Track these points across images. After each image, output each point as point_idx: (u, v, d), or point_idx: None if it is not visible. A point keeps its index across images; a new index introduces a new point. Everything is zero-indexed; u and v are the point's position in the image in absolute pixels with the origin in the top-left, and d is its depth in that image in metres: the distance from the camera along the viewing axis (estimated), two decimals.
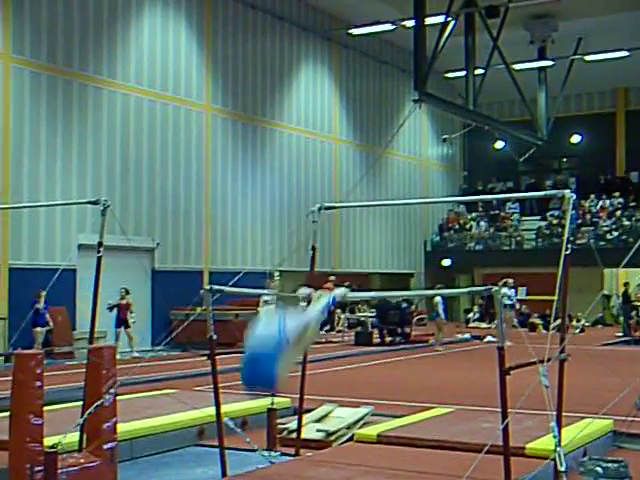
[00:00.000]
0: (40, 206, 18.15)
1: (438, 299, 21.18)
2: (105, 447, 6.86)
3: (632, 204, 32.57)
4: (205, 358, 6.90)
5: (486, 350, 19.79)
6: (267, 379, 4.99)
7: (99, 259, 7.51)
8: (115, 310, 18.36)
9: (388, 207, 30.61)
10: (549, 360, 5.56)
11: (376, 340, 21.87)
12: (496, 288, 5.48)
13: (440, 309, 21.04)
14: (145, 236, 21.22)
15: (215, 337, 6.74)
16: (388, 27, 26.53)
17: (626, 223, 31.25)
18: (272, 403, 8.48)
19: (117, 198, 20.27)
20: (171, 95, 22.21)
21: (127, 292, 18.65)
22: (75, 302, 18.97)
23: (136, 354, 17.81)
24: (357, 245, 29.88)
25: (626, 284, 27.31)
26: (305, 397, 8.22)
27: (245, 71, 24.78)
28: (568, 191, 6.48)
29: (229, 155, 24.14)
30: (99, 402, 6.67)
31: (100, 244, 7.50)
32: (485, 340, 22.97)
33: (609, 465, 6.31)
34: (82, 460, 6.77)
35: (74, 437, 7.10)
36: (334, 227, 27.96)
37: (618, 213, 32.08)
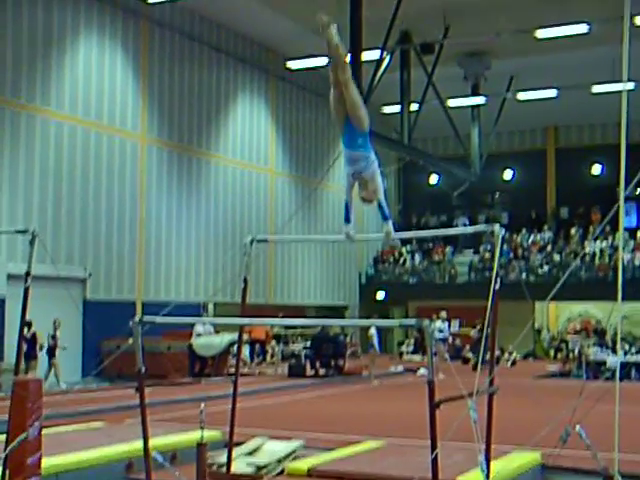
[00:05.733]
0: None
1: (373, 332, 21.25)
2: None
3: (562, 239, 33.23)
4: (134, 391, 6.79)
5: (419, 383, 19.85)
6: None
7: (26, 290, 7.37)
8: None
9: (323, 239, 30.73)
10: (477, 393, 5.61)
11: (309, 372, 21.81)
12: (427, 321, 5.51)
13: (375, 342, 21.12)
14: (77, 265, 20.91)
15: (144, 370, 6.64)
16: (324, 61, 26.74)
17: (556, 257, 31.84)
18: (202, 436, 8.37)
19: (49, 227, 19.99)
20: (106, 124, 22.03)
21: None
22: (3, 333, 18.55)
23: (64, 386, 17.71)
24: (292, 277, 29.86)
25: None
26: (236, 430, 8.15)
27: (181, 101, 24.73)
28: (497, 226, 6.57)
29: (164, 185, 24.00)
30: (23, 436, 6.51)
31: (28, 274, 7.36)
32: (418, 373, 23.07)
33: None
34: None
35: None
36: (269, 258, 27.93)
37: (549, 248, 32.69)
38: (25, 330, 17.14)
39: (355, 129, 6.58)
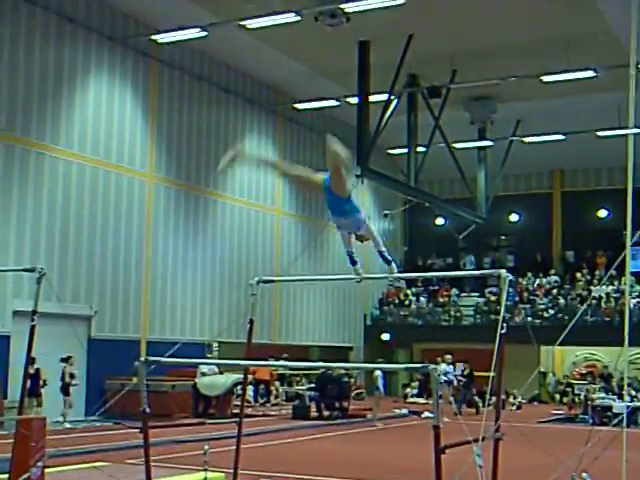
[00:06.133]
0: None
1: (378, 373, 21.16)
2: None
3: (568, 283, 33.15)
4: (138, 431, 6.76)
5: (424, 426, 19.72)
6: None
7: (32, 328, 7.38)
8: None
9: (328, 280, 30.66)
10: (484, 439, 5.58)
11: (314, 414, 21.68)
12: (433, 366, 5.49)
13: (380, 383, 21.02)
14: (83, 303, 20.91)
15: (149, 410, 6.61)
16: (332, 103, 26.98)
17: (561, 301, 31.73)
18: (205, 478, 8.33)
19: (55, 264, 20.01)
20: (114, 163, 22.14)
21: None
22: (8, 370, 18.49)
23: (68, 425, 17.71)
24: (297, 317, 29.80)
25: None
26: (240, 472, 8.10)
27: (190, 141, 24.88)
28: (504, 271, 6.57)
29: (171, 224, 24.07)
30: (26, 475, 6.48)
31: (34, 312, 7.37)
32: (423, 416, 22.93)
33: None
34: None
35: None
36: (274, 298, 27.89)
37: (555, 291, 32.59)
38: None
39: (339, 198, 6.75)
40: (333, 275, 29.72)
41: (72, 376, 18.82)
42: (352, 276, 7.65)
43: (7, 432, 15.37)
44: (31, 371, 17.52)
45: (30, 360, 16.96)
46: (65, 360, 18.80)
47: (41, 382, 18.09)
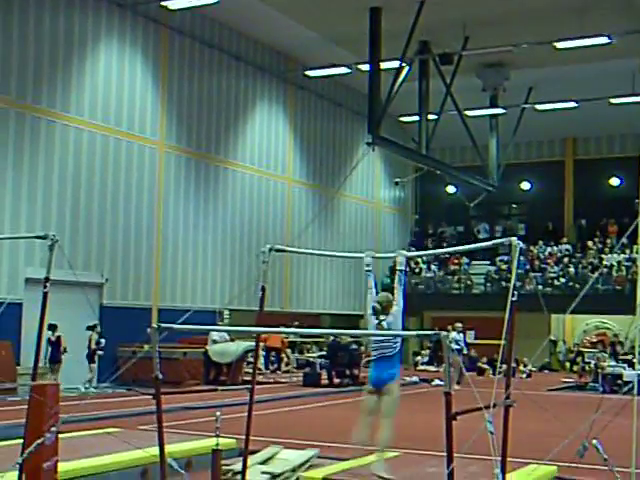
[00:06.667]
0: None
1: None
2: None
3: (579, 251, 33.07)
4: (150, 397, 6.78)
5: (434, 393, 19.82)
6: None
7: (45, 295, 7.40)
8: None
9: (339, 248, 30.65)
10: (495, 406, 5.58)
11: (324, 382, 21.79)
12: (445, 333, 5.48)
13: None
14: (94, 271, 20.99)
15: (161, 376, 6.64)
16: (344, 70, 26.81)
17: (572, 270, 31.65)
18: (217, 444, 8.37)
19: (67, 232, 20.08)
20: (125, 131, 22.13)
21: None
22: (20, 337, 18.63)
23: (83, 389, 18.03)
24: (308, 285, 29.86)
25: None
26: (251, 438, 8.15)
27: (200, 109, 24.82)
28: (515, 239, 6.55)
29: (181, 192, 24.08)
30: (40, 440, 6.53)
31: (47, 279, 7.39)
32: (433, 383, 23.02)
33: None
34: None
35: (13, 476, 6.93)
36: (285, 266, 27.93)
37: (566, 260, 32.54)
38: (50, 333, 17.41)
39: None
40: (344, 243, 29.80)
41: (98, 344, 19.11)
42: (361, 255, 7.75)
43: (20, 398, 15.52)
44: (52, 339, 17.79)
45: (50, 327, 17.25)
46: (91, 328, 19.05)
47: (61, 349, 18.28)
